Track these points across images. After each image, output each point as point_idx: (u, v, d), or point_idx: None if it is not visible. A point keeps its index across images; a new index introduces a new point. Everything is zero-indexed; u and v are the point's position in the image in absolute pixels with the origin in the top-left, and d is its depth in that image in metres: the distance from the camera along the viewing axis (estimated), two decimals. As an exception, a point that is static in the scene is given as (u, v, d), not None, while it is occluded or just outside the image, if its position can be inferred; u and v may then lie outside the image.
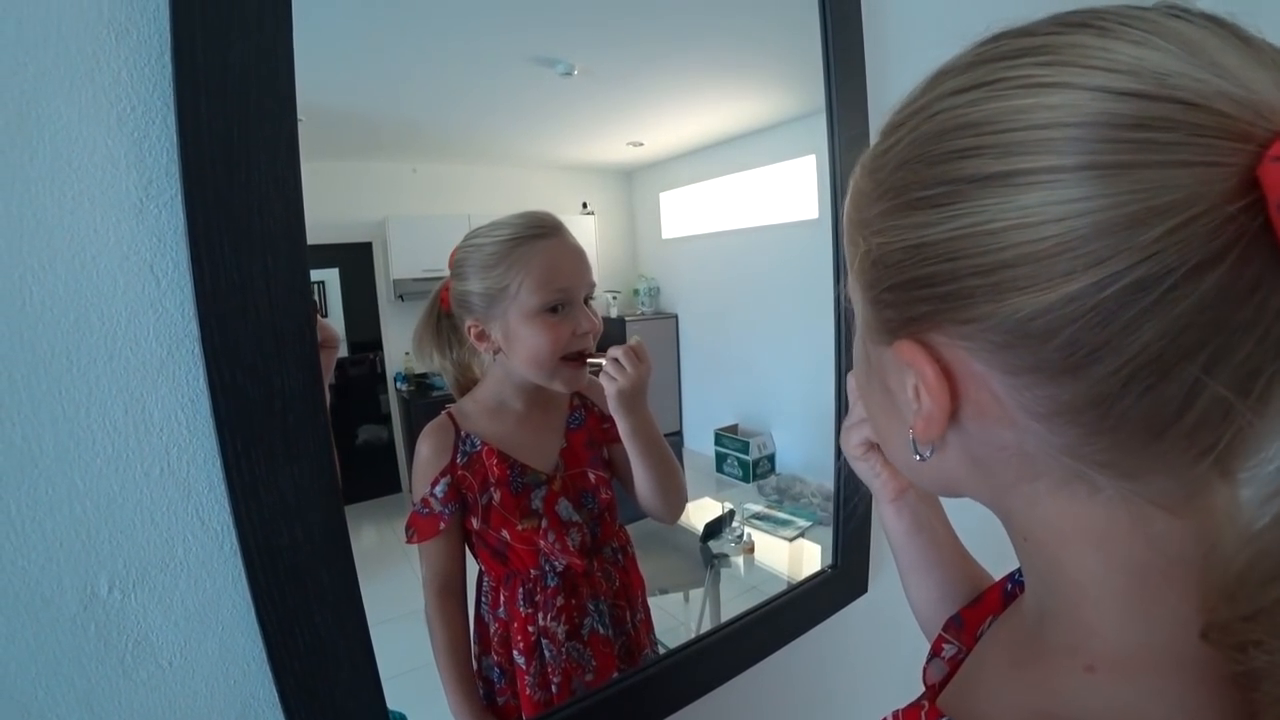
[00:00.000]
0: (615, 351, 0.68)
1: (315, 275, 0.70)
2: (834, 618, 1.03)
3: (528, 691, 0.67)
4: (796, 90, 0.96)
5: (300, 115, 0.58)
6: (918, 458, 0.32)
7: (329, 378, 0.61)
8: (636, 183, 0.99)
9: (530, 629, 0.67)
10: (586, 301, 0.70)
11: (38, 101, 0.40)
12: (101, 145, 0.41)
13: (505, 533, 0.67)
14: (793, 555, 1.07)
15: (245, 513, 0.43)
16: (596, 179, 0.96)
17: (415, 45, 0.72)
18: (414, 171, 0.76)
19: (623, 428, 0.70)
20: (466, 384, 0.72)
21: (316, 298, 0.70)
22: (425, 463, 0.66)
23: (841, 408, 0.99)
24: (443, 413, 0.69)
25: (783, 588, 1.03)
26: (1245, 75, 0.22)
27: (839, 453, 0.99)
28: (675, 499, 0.78)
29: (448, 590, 0.68)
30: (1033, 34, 0.26)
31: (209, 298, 0.42)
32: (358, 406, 0.76)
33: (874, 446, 0.57)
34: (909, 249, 0.27)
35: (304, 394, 0.45)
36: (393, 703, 0.54)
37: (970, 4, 1.27)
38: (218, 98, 0.41)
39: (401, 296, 0.77)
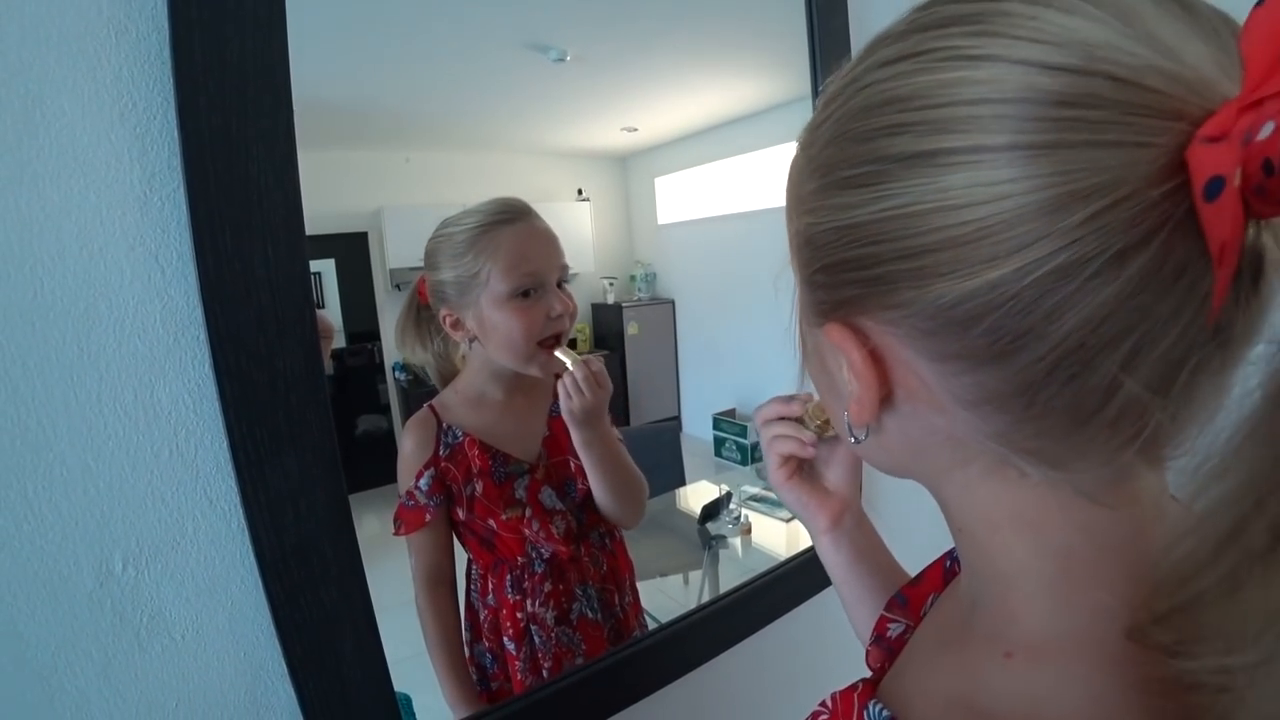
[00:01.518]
0: (575, 373, 0.66)
1: (312, 266, 0.72)
2: (824, 593, 1.05)
3: (519, 676, 0.68)
4: (789, 74, 0.97)
5: (294, 107, 0.60)
6: (853, 439, 0.32)
7: (326, 368, 0.63)
8: (631, 168, 1.00)
9: (519, 615, 0.68)
10: (561, 285, 0.69)
11: (43, 99, 0.41)
12: (105, 140, 0.43)
13: (491, 522, 0.68)
14: (790, 535, 1.09)
15: (251, 491, 0.45)
16: (591, 165, 0.97)
17: (407, 34, 0.73)
18: (407, 161, 0.78)
19: (576, 440, 0.70)
20: (448, 375, 0.72)
21: (314, 289, 0.72)
22: (409, 456, 0.67)
23: None
24: (425, 406, 0.69)
25: (779, 567, 1.05)
26: (1181, 47, 0.21)
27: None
28: (632, 508, 0.76)
29: (437, 581, 0.68)
30: (955, 29, 0.23)
31: (212, 285, 0.43)
32: (357, 397, 0.77)
33: (797, 471, 0.54)
34: (838, 229, 0.26)
35: (305, 376, 0.47)
36: (398, 686, 0.56)
37: None
38: (216, 93, 0.42)
39: (398, 286, 0.78)
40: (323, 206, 0.72)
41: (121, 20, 0.42)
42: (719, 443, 1.10)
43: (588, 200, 0.96)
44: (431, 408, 0.69)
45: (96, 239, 0.43)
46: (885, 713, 0.29)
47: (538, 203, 0.91)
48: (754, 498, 1.10)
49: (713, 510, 1.06)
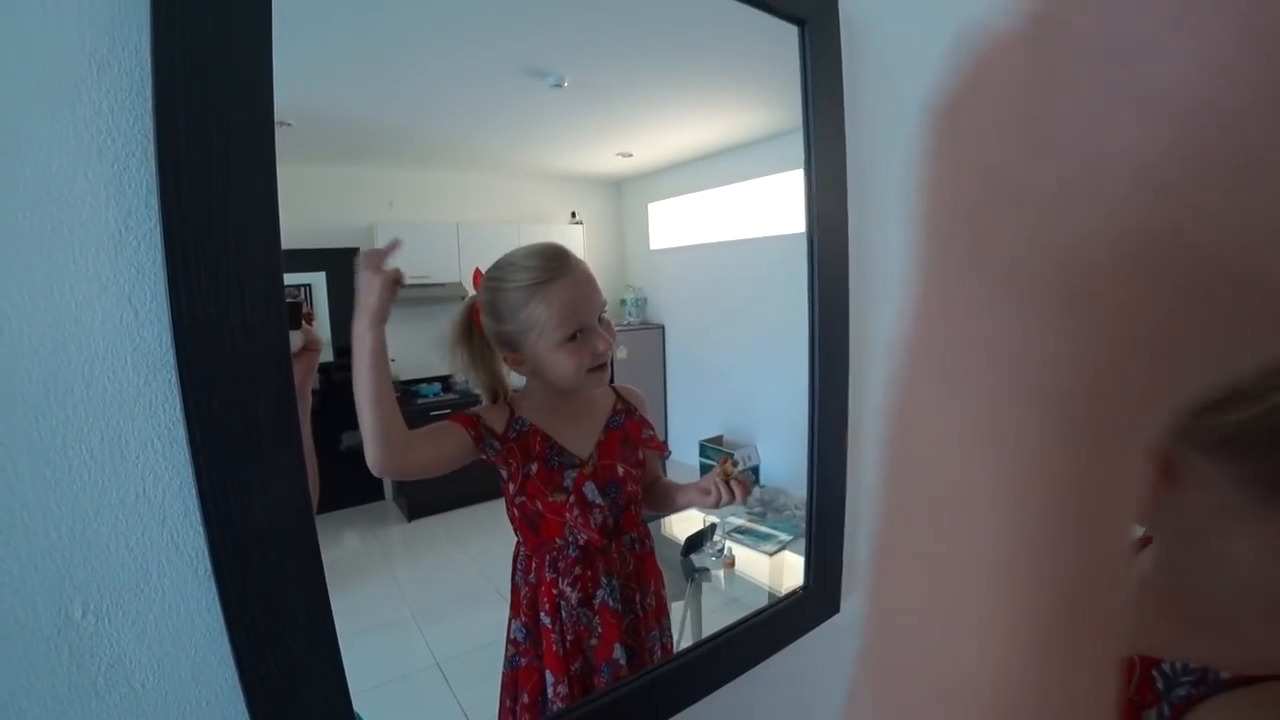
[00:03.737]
0: (737, 492, 0.87)
1: (303, 278, 0.71)
2: (805, 638, 1.05)
3: (554, 649, 0.77)
4: (782, 107, 0.96)
5: (289, 119, 0.59)
6: None
7: (311, 382, 0.62)
8: (625, 193, 1.00)
9: (554, 592, 0.78)
10: (600, 319, 0.79)
11: (19, 132, 0.40)
12: (82, 177, 0.41)
13: (539, 503, 0.78)
14: (774, 569, 1.09)
15: (219, 539, 0.44)
16: (586, 189, 0.96)
17: (407, 53, 0.72)
18: (390, 205, 0.77)
19: (680, 504, 0.92)
20: (496, 389, 0.80)
21: (304, 300, 0.72)
22: (489, 418, 0.77)
23: (814, 425, 0.99)
24: (502, 400, 0.80)
25: (764, 601, 1.04)
26: None
27: (813, 472, 1.01)
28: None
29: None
30: None
31: (186, 329, 0.42)
32: (342, 412, 0.77)
33: None
34: None
35: (278, 422, 0.45)
36: (368, 716, 0.55)
37: (943, 32, 1.28)
38: (197, 133, 0.41)
39: None
40: (315, 220, 0.72)
41: (104, 54, 0.41)
42: (705, 469, 1.09)
43: (581, 223, 0.96)
44: (509, 403, 0.80)
45: (68, 277, 0.42)
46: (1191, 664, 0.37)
47: (531, 224, 0.90)
48: (739, 529, 1.09)
49: (696, 541, 1.05)
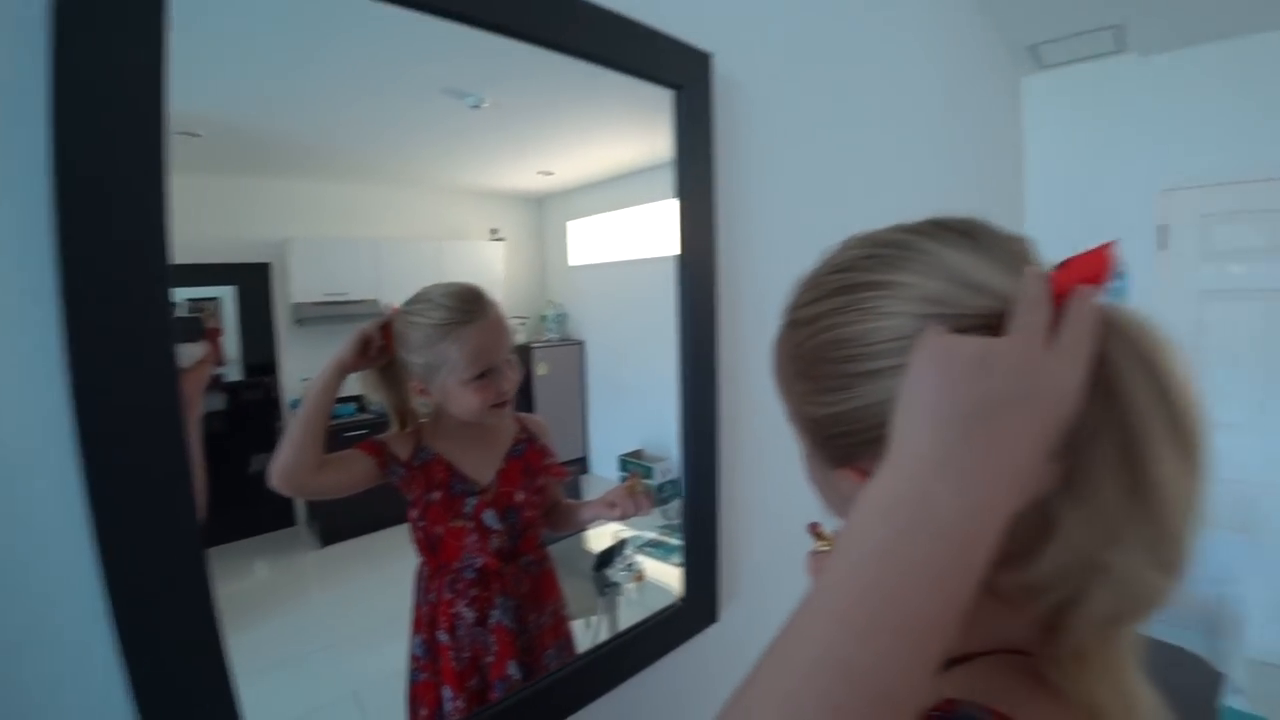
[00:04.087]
0: (641, 502, 0.95)
1: (211, 291, 0.66)
2: (684, 646, 1.10)
3: (451, 665, 0.80)
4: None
5: (200, 130, 0.55)
6: None
7: (202, 397, 0.58)
8: (547, 210, 1.00)
9: (452, 611, 0.81)
10: (510, 359, 0.83)
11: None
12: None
13: (439, 528, 0.81)
14: (682, 580, 1.12)
15: (116, 602, 0.40)
16: (507, 205, 0.96)
17: (324, 69, 0.71)
18: (290, 242, 0.74)
19: (579, 519, 0.99)
20: (404, 414, 0.82)
21: (210, 314, 0.67)
22: (395, 443, 0.80)
23: (686, 441, 1.06)
24: (410, 427, 0.82)
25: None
26: (990, 280, 0.37)
27: (687, 486, 1.06)
28: None
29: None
30: (865, 270, 0.42)
31: (74, 337, 0.38)
32: (251, 433, 0.72)
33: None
34: (832, 415, 0.42)
35: (161, 436, 0.42)
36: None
37: (805, 92, 1.41)
38: (89, 141, 0.38)
39: (301, 321, 0.75)
40: (225, 232, 0.67)
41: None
42: (645, 472, 1.11)
43: (502, 240, 0.95)
44: (416, 430, 0.82)
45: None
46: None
47: (451, 240, 0.89)
48: (650, 543, 1.11)
49: (607, 557, 1.07)
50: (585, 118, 0.95)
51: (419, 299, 0.78)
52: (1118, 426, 0.34)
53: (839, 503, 0.47)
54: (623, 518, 0.96)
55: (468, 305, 0.79)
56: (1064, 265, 0.37)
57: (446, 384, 0.79)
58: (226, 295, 0.69)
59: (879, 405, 0.38)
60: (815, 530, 0.78)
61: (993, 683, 0.38)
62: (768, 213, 1.25)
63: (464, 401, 0.80)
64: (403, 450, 0.80)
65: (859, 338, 0.40)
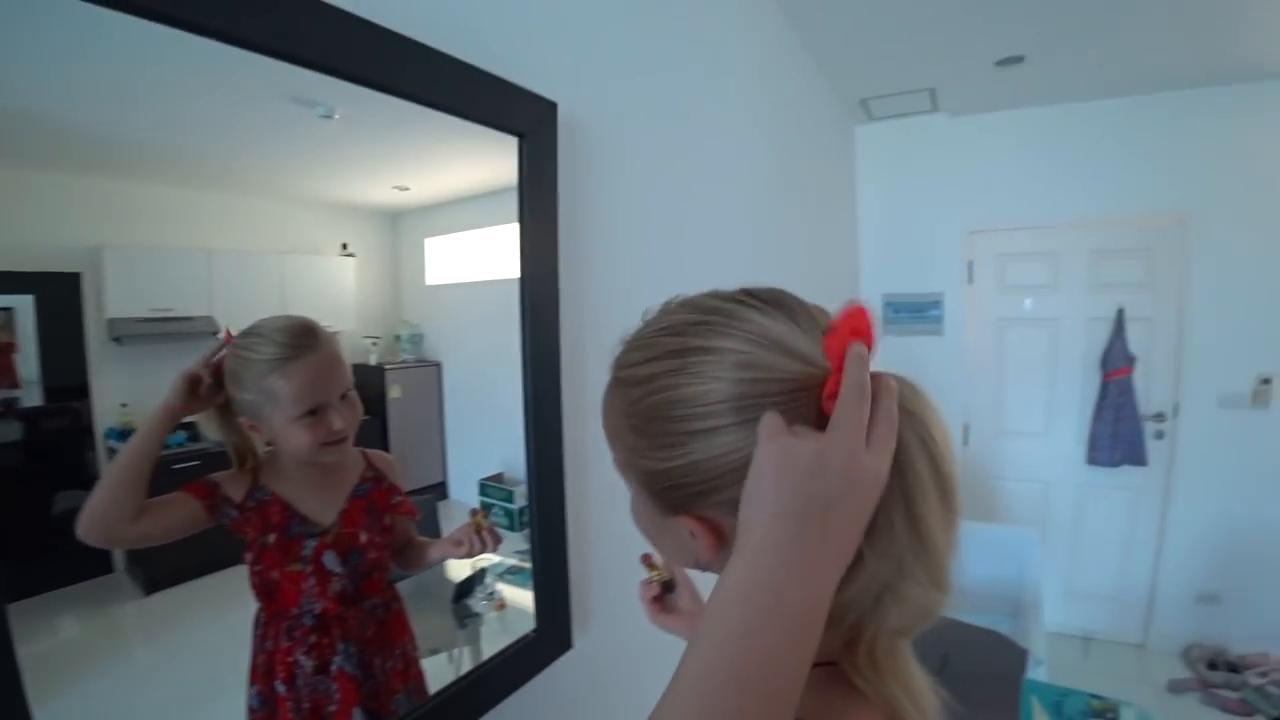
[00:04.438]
0: (488, 540, 0.94)
1: (4, 301, 0.57)
2: (540, 676, 1.10)
3: (289, 717, 0.76)
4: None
5: None
6: (704, 568, 0.50)
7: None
8: (402, 227, 0.97)
9: (289, 660, 0.77)
10: (345, 395, 0.79)
11: None
12: None
13: (275, 572, 0.76)
14: (553, 602, 1.11)
15: None
16: (359, 220, 0.92)
17: (156, 54, 0.63)
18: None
19: (428, 560, 0.95)
20: (246, 455, 0.76)
21: (6, 326, 0.57)
22: (227, 484, 0.74)
23: (531, 470, 1.07)
24: (247, 466, 0.76)
25: (543, 634, 1.06)
26: (801, 346, 0.44)
27: (535, 513, 1.07)
28: None
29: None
30: (694, 335, 0.46)
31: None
32: (57, 467, 0.63)
33: (656, 601, 0.80)
34: (666, 469, 0.47)
35: None
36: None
37: (650, 137, 1.50)
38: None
39: (119, 339, 0.66)
40: (22, 236, 0.58)
41: None
42: (486, 508, 1.08)
43: (353, 256, 0.91)
44: (253, 469, 0.76)
45: None
46: None
47: (297, 255, 0.83)
48: (511, 570, 1.09)
49: (466, 588, 1.04)
50: (443, 135, 0.93)
51: (250, 332, 0.73)
52: (903, 492, 0.43)
53: (671, 545, 0.53)
54: (469, 555, 0.94)
55: (298, 339, 0.75)
56: (833, 329, 0.43)
57: (274, 421, 0.75)
58: (22, 306, 0.59)
59: (710, 461, 0.44)
60: (647, 562, 0.82)
61: (815, 697, 0.45)
62: (609, 250, 1.29)
63: (293, 440, 0.75)
64: (236, 490, 0.74)
65: (691, 399, 0.44)
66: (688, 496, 0.47)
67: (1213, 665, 3.10)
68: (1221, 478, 3.21)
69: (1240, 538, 3.19)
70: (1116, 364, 3.28)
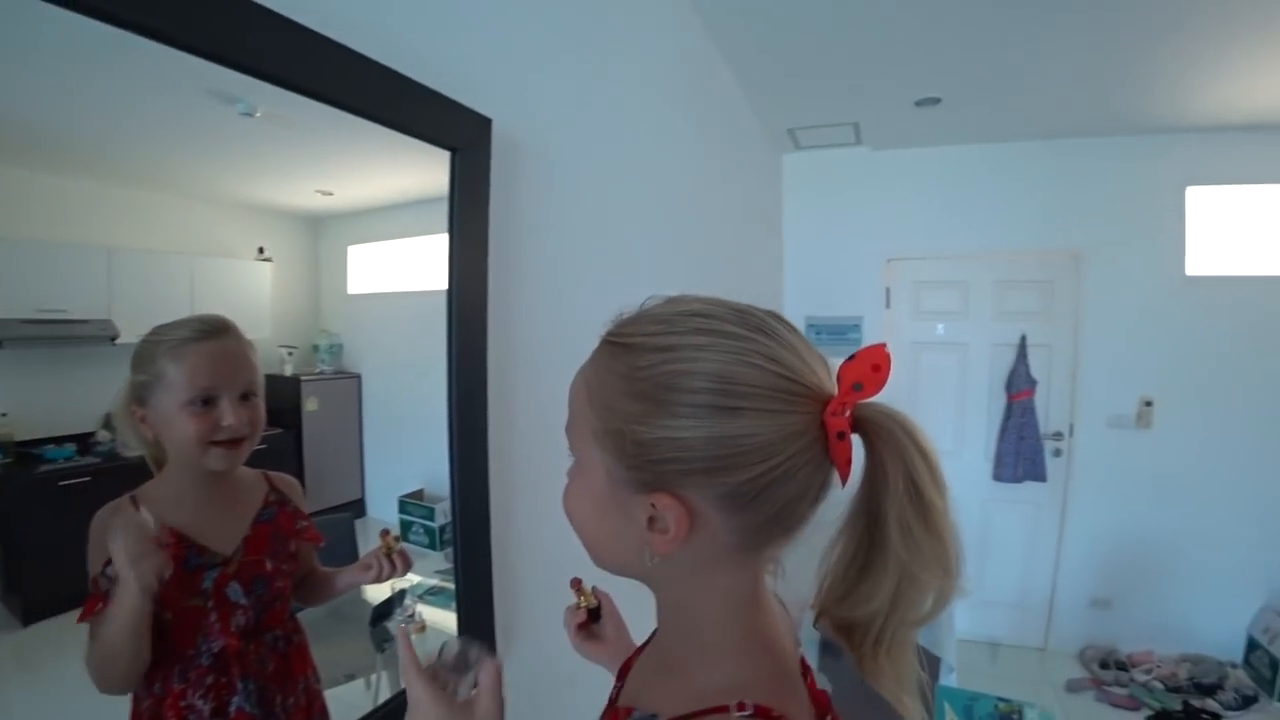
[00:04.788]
0: (398, 562, 0.91)
1: None
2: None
3: None
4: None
5: None
6: (648, 564, 0.50)
7: None
8: (324, 232, 0.93)
9: (182, 704, 0.70)
10: (248, 398, 0.73)
11: None
12: None
13: (168, 613, 0.68)
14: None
15: None
16: (278, 223, 0.88)
17: (53, 33, 0.58)
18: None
19: (338, 587, 0.90)
20: (163, 463, 0.71)
21: None
22: (96, 543, 0.65)
23: (455, 494, 1.05)
24: (125, 495, 0.67)
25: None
26: (816, 368, 0.48)
27: (460, 535, 1.05)
28: None
29: None
30: (730, 323, 0.48)
31: None
32: None
33: (581, 629, 0.81)
34: (669, 440, 0.46)
35: None
36: None
37: (583, 157, 1.52)
38: None
39: (0, 342, 0.60)
40: None
41: None
42: (406, 526, 1.04)
43: (270, 260, 0.86)
44: (132, 498, 0.68)
45: None
46: (645, 715, 0.50)
47: (209, 257, 0.79)
48: (432, 590, 1.06)
49: (385, 610, 0.99)
50: (373, 142, 0.90)
51: (172, 323, 0.69)
52: (906, 486, 0.46)
53: (616, 531, 0.52)
54: (379, 580, 0.90)
55: (208, 326, 0.71)
56: (855, 357, 0.48)
57: (162, 405, 0.68)
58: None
59: (730, 439, 0.45)
60: (576, 587, 0.82)
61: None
62: (539, 264, 1.29)
63: (177, 429, 0.69)
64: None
65: (725, 376, 0.45)
66: (678, 473, 0.46)
67: (1104, 665, 3.33)
68: (1111, 492, 3.47)
69: (1128, 547, 3.44)
70: (1020, 387, 3.50)
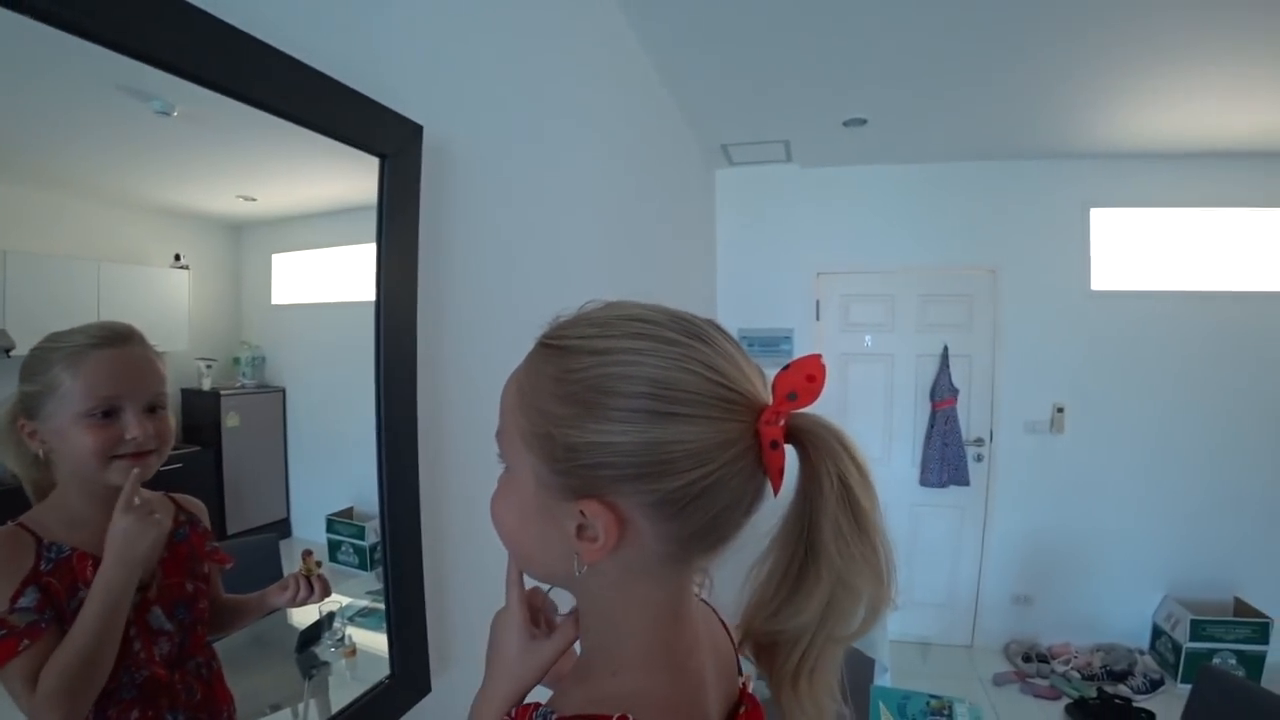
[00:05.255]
0: (317, 587, 0.88)
1: None
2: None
3: None
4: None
5: None
6: (576, 573, 0.49)
7: None
8: (246, 239, 0.89)
9: None
10: (154, 410, 0.68)
11: None
12: None
13: None
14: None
15: None
16: (195, 229, 0.83)
17: None
18: None
19: (256, 609, 0.86)
20: (46, 488, 0.64)
21: None
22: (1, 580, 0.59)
23: (383, 502, 1.01)
24: (10, 524, 0.61)
25: (400, 678, 0.99)
26: (751, 376, 0.48)
27: (390, 554, 1.02)
28: None
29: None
30: (666, 329, 0.48)
31: None
32: None
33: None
34: (600, 444, 0.45)
35: None
36: None
37: (515, 165, 1.51)
38: None
39: None
40: None
41: None
42: (335, 546, 1.00)
43: (186, 268, 0.82)
44: (22, 524, 0.61)
45: None
46: (547, 710, 0.48)
47: (118, 264, 0.74)
48: (362, 612, 1.02)
49: (313, 634, 0.94)
50: (298, 146, 0.87)
51: (70, 330, 0.64)
52: (840, 492, 0.46)
53: (542, 538, 0.51)
54: (296, 604, 0.86)
55: (110, 334, 0.66)
56: (790, 366, 0.48)
57: (56, 419, 0.62)
58: None
59: (663, 445, 0.44)
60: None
61: None
62: (470, 273, 1.27)
63: (75, 444, 0.63)
64: (14, 567, 0.60)
65: (665, 381, 0.45)
66: (608, 479, 0.45)
67: (1027, 658, 3.49)
68: (1029, 494, 3.66)
69: (1046, 545, 3.64)
70: (943, 395, 3.65)
